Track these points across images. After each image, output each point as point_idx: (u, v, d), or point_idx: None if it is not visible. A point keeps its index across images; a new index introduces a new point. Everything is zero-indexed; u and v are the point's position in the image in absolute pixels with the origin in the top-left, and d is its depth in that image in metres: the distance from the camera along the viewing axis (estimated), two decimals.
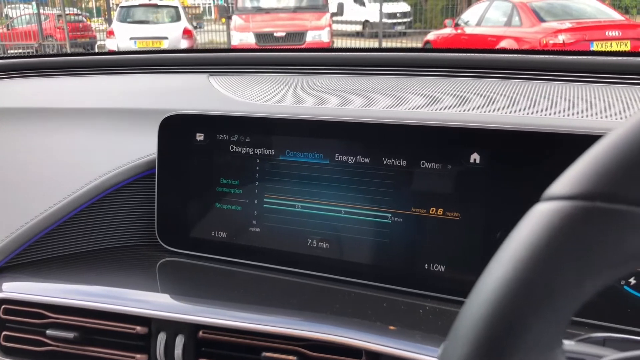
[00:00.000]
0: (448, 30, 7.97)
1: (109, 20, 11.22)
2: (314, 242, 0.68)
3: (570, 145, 0.58)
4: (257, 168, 0.71)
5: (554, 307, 0.24)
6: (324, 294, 0.65)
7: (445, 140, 0.63)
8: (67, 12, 11.40)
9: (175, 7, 9.52)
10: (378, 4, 10.81)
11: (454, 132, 0.63)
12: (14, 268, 0.71)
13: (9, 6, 11.67)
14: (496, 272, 0.25)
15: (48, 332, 0.63)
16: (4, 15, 11.90)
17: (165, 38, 8.82)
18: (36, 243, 0.72)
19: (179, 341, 0.60)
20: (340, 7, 9.40)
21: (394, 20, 11.75)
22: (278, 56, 1.06)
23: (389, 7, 11.53)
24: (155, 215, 0.76)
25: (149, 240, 0.78)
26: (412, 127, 0.65)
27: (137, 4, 9.52)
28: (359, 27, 12.26)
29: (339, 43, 11.13)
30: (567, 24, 6.11)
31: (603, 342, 0.41)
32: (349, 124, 0.67)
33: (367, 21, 12.10)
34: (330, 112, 0.77)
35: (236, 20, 8.54)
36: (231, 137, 0.72)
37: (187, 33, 9.06)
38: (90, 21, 12.61)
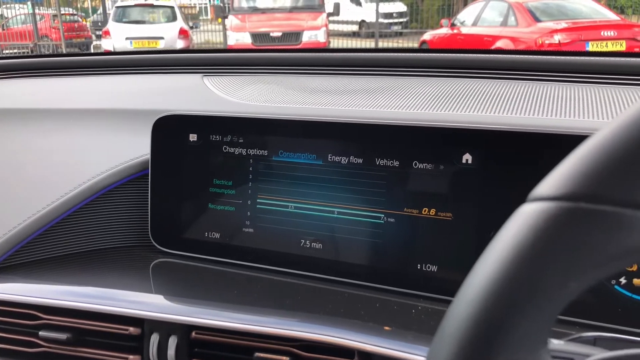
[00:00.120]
0: (444, 30, 7.98)
1: (103, 23, 11.19)
2: (307, 242, 0.68)
3: (561, 145, 0.58)
4: (251, 169, 0.71)
5: (539, 307, 0.24)
6: (317, 294, 0.65)
7: (437, 141, 0.63)
8: (62, 12, 11.38)
9: (171, 7, 9.51)
10: (374, 4, 10.81)
11: (446, 133, 0.63)
12: (7, 269, 0.70)
13: (4, 6, 11.63)
14: (482, 273, 0.25)
15: (41, 333, 0.63)
16: None
17: (161, 38, 8.81)
18: (29, 244, 0.72)
19: (172, 342, 0.60)
20: (337, 7, 9.40)
21: (391, 20, 11.77)
22: (273, 56, 1.06)
23: (385, 7, 11.55)
24: (149, 216, 0.76)
25: (142, 241, 0.78)
26: (405, 127, 0.65)
27: (133, 4, 9.51)
28: (355, 27, 12.27)
29: (336, 43, 11.13)
30: (562, 24, 6.13)
31: (594, 342, 0.41)
32: (342, 124, 0.68)
33: (363, 21, 12.12)
34: (323, 113, 0.78)
35: (232, 20, 8.53)
36: (224, 138, 0.72)
37: (183, 33, 9.06)
38: (85, 21, 12.57)
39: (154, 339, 0.60)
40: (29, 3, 10.90)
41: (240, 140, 0.71)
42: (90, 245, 0.77)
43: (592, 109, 0.71)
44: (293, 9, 8.69)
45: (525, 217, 0.25)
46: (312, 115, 0.74)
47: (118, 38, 8.80)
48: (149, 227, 0.76)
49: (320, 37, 8.32)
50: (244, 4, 8.75)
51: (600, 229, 0.23)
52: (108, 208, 0.77)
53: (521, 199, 0.27)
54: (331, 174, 0.67)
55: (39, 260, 0.73)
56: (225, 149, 0.72)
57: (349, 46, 10.56)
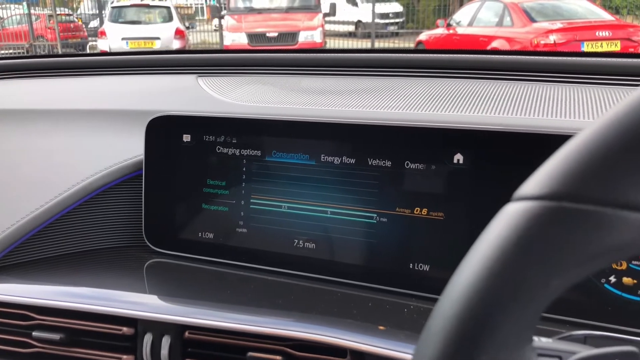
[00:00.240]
0: (440, 31, 8.00)
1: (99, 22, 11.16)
2: (301, 242, 0.68)
3: (552, 145, 0.58)
4: (244, 169, 0.71)
5: (523, 305, 0.24)
6: (309, 293, 0.65)
7: (428, 141, 0.63)
8: (58, 12, 11.34)
9: (168, 8, 9.49)
10: (370, 4, 10.83)
11: (437, 133, 0.64)
12: (0, 270, 0.70)
13: None
14: (466, 272, 0.26)
15: (34, 333, 0.63)
16: None
17: (158, 38, 8.80)
18: (23, 245, 0.72)
19: (165, 342, 0.60)
20: (333, 7, 9.41)
21: (387, 21, 11.77)
22: (269, 57, 1.06)
23: (381, 8, 11.56)
24: (143, 217, 0.76)
25: (136, 242, 0.78)
26: (396, 127, 0.65)
27: (129, 4, 9.48)
28: (351, 28, 12.28)
29: (332, 43, 11.13)
30: (558, 24, 6.15)
31: (584, 340, 0.42)
32: (334, 125, 0.68)
33: (359, 21, 12.12)
34: (316, 113, 0.78)
35: (229, 20, 8.53)
36: (218, 138, 0.72)
37: (179, 33, 9.04)
38: (81, 21, 12.54)
39: (147, 339, 0.60)
40: (24, 3, 10.86)
41: (233, 141, 0.72)
42: (84, 246, 0.77)
43: (585, 109, 0.71)
44: (289, 10, 8.69)
45: (509, 217, 0.25)
46: (305, 116, 0.74)
47: (114, 38, 8.78)
48: (143, 228, 0.76)
49: (316, 37, 8.32)
50: (240, 5, 8.74)
51: (582, 228, 0.24)
52: (102, 208, 0.77)
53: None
54: (324, 174, 0.67)
55: (33, 260, 0.73)
56: (218, 149, 0.72)
57: (345, 46, 10.56)
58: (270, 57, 1.06)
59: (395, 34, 11.56)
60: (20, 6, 11.14)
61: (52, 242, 0.75)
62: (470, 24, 7.37)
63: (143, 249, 0.76)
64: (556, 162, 0.25)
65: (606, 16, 6.66)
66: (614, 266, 0.57)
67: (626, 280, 0.57)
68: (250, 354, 0.57)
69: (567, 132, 0.59)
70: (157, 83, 1.04)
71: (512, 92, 0.80)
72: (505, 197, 0.27)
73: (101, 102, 0.94)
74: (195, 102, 0.90)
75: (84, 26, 12.28)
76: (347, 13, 12.07)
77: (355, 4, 12.58)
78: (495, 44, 6.47)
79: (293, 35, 8.24)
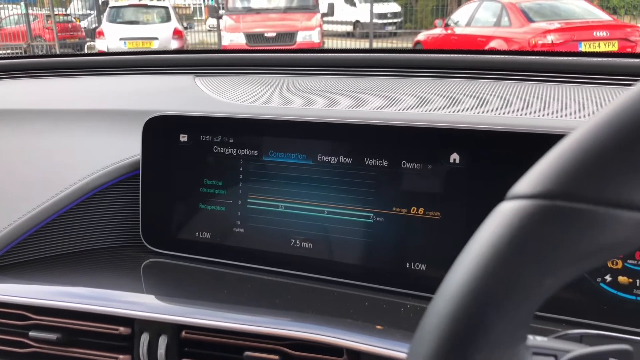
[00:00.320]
0: (438, 31, 8.00)
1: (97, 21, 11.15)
2: (298, 242, 0.69)
3: (548, 145, 0.58)
4: (241, 169, 0.71)
5: (517, 304, 0.24)
6: (306, 293, 0.66)
7: (425, 141, 0.64)
8: (56, 12, 11.33)
9: (166, 8, 9.49)
10: (369, 4, 10.83)
11: (434, 133, 0.64)
12: None
13: None
14: (460, 271, 0.26)
15: (31, 333, 0.63)
16: None
17: (156, 39, 8.79)
18: (20, 244, 0.72)
19: (162, 341, 0.60)
20: (331, 7, 9.40)
21: (385, 21, 11.78)
22: (266, 57, 1.06)
23: (379, 8, 11.56)
24: (140, 217, 0.76)
25: (133, 242, 0.78)
26: (393, 127, 0.66)
27: (127, 4, 9.47)
28: (349, 28, 12.28)
29: (330, 43, 11.14)
30: (555, 25, 6.16)
31: (580, 339, 0.42)
32: (331, 124, 0.68)
33: (357, 21, 12.12)
34: (313, 113, 0.78)
35: (227, 20, 8.52)
36: (215, 138, 0.72)
37: (177, 33, 9.03)
38: (79, 21, 12.52)
39: (144, 338, 0.60)
40: (22, 3, 10.85)
41: (230, 141, 0.72)
42: (81, 246, 0.77)
43: (581, 109, 0.71)
44: (287, 10, 8.68)
45: (502, 215, 0.25)
46: (302, 116, 0.74)
47: (112, 38, 8.77)
48: (140, 227, 0.76)
49: (314, 37, 8.32)
50: (238, 5, 8.74)
51: (575, 227, 0.24)
52: (99, 208, 0.77)
53: None
54: (321, 173, 0.67)
55: (30, 260, 0.73)
56: (215, 149, 0.72)
57: (343, 47, 10.57)
58: (268, 57, 1.06)
59: (393, 34, 11.56)
60: (18, 6, 11.13)
61: (49, 242, 0.75)
62: (468, 24, 7.38)
63: (140, 248, 0.76)
64: (549, 161, 0.25)
65: (604, 16, 6.67)
66: (610, 265, 0.57)
67: (622, 279, 0.57)
68: (247, 353, 0.57)
69: (563, 131, 0.59)
70: (154, 83, 1.04)
71: (509, 92, 0.81)
72: (502, 196, 0.27)
73: (99, 102, 0.94)
74: (193, 102, 0.90)
75: (81, 26, 12.27)
76: (345, 13, 12.07)
77: (354, 4, 12.58)
78: (493, 44, 6.48)
79: (291, 36, 8.24)
